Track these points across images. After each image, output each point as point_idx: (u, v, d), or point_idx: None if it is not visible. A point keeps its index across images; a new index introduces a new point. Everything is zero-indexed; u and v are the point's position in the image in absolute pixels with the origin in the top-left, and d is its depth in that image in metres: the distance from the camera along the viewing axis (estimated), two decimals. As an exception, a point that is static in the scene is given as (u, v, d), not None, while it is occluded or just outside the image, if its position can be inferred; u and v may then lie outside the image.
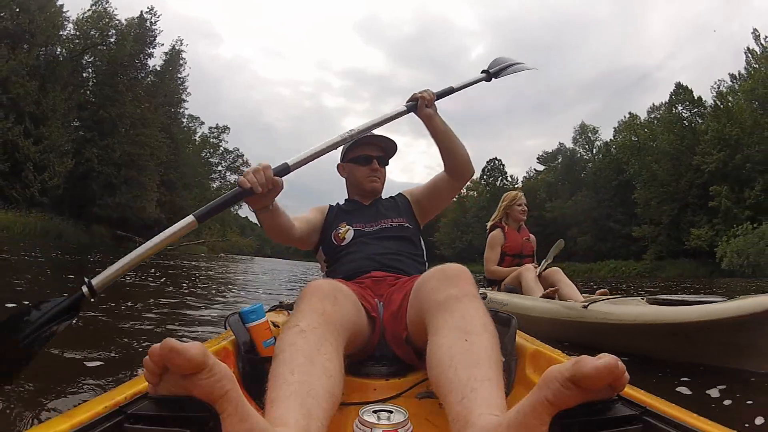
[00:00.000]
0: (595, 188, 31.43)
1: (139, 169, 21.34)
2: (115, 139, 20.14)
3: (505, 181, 43.50)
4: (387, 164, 1.54)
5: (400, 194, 1.58)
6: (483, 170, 43.83)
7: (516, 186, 40.71)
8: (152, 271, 6.61)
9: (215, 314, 3.18)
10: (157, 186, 22.75)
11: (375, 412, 0.73)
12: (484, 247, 3.23)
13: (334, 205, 1.55)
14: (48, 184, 17.06)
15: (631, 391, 0.67)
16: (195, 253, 20.12)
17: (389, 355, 1.12)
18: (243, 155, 37.00)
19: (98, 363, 1.65)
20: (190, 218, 0.98)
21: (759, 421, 1.22)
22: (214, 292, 5.10)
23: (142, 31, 21.98)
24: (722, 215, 22.04)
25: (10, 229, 13.06)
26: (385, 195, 1.58)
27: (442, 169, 1.44)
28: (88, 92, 20.69)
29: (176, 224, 0.97)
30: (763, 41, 22.79)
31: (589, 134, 36.51)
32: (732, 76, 25.01)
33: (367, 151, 1.49)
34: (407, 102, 1.37)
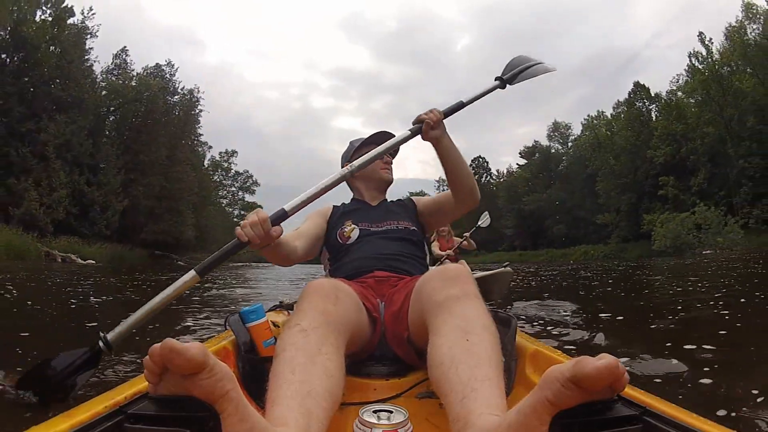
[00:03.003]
0: (568, 181, 35.00)
1: (176, 200, 26.01)
2: (154, 178, 24.41)
3: (490, 178, 46.96)
4: (394, 157, 1.56)
5: (408, 198, 1.57)
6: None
7: (501, 180, 45.19)
8: (159, 274, 6.65)
9: (218, 314, 3.18)
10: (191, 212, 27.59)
11: (375, 412, 0.73)
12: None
13: (339, 205, 1.54)
14: (111, 220, 21.36)
15: (631, 391, 0.67)
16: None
17: (389, 355, 1.12)
18: (252, 176, 41.05)
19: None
20: (191, 274, 1.00)
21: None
22: (220, 293, 5.11)
23: (164, 82, 26.81)
24: (671, 202, 25.15)
25: (95, 258, 16.04)
26: (391, 196, 1.58)
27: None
28: (128, 141, 24.54)
29: (179, 280, 1.00)
30: (707, 42, 24.43)
31: (562, 130, 39.58)
32: (687, 70, 26.39)
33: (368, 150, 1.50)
34: (413, 124, 1.28)
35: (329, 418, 0.67)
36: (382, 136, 1.50)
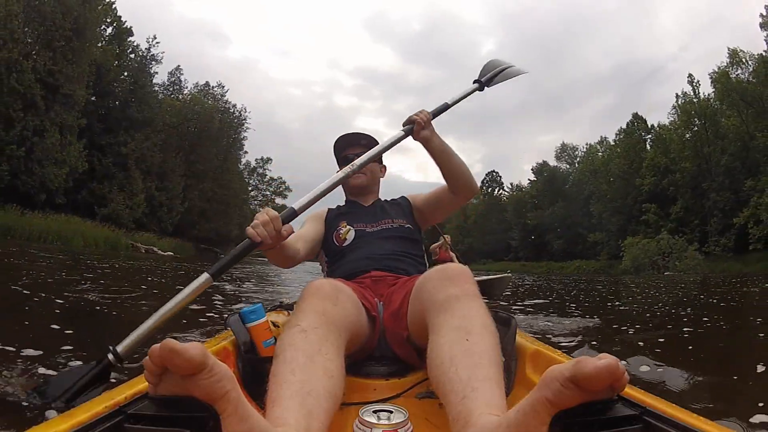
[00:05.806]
0: (569, 200, 37.80)
1: (225, 204, 30.42)
2: (208, 184, 29.09)
3: (502, 190, 51.57)
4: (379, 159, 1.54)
5: (402, 197, 1.57)
6: (483, 182, 51.47)
7: (513, 193, 49.02)
8: (157, 275, 6.65)
9: (218, 314, 3.17)
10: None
11: (375, 412, 0.73)
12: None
13: (333, 207, 1.55)
14: (174, 219, 25.89)
15: (631, 391, 0.67)
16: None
17: (389, 355, 1.12)
18: (285, 182, 43.52)
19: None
20: (204, 276, 1.00)
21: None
22: (220, 292, 5.11)
23: (215, 101, 31.07)
24: (653, 227, 27.89)
25: (164, 248, 19.71)
26: (395, 194, 1.59)
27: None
28: (186, 152, 28.40)
29: (192, 284, 0.99)
30: (695, 84, 26.80)
31: (569, 152, 42.54)
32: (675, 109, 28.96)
33: (345, 152, 1.52)
34: (404, 126, 1.34)
35: (329, 419, 0.67)
36: (355, 138, 1.51)
